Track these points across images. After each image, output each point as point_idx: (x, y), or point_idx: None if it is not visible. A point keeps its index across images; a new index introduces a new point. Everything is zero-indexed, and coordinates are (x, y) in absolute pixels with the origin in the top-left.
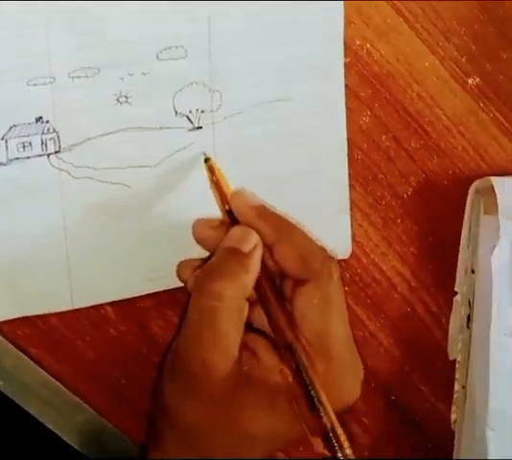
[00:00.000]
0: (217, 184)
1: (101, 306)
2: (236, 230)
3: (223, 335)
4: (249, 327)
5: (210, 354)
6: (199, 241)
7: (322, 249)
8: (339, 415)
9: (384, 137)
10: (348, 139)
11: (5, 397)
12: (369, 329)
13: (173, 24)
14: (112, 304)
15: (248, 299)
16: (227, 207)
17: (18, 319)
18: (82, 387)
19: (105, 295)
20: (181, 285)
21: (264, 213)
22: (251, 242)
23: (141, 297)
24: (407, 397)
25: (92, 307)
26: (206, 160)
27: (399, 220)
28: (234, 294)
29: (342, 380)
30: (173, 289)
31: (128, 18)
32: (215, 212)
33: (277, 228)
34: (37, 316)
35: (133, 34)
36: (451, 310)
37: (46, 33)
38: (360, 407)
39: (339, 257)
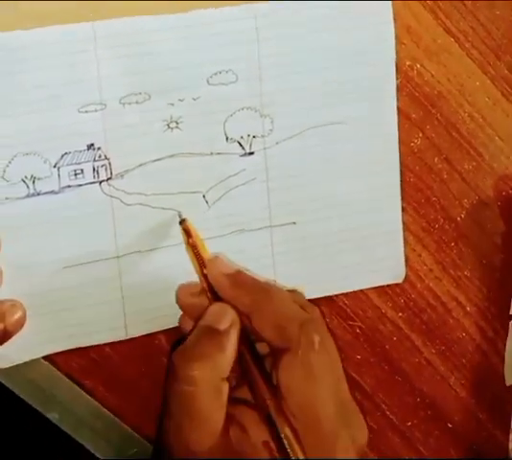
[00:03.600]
0: (193, 247)
1: (154, 335)
2: (212, 308)
3: (202, 418)
4: (238, 400)
5: (191, 437)
6: (183, 308)
7: (300, 313)
8: None
9: (436, 159)
10: (400, 162)
11: (59, 429)
12: (424, 355)
13: (222, 48)
14: (166, 333)
15: (230, 377)
16: (205, 271)
17: (72, 350)
18: (136, 418)
19: (160, 323)
20: None
21: (239, 280)
22: (227, 320)
23: None
24: (464, 424)
25: (146, 336)
26: (181, 222)
27: (453, 244)
28: (208, 377)
29: (337, 447)
30: None
31: (177, 43)
32: None
33: (253, 296)
34: (91, 347)
35: (183, 59)
36: (507, 334)
37: (96, 59)
38: (417, 435)
39: (393, 281)
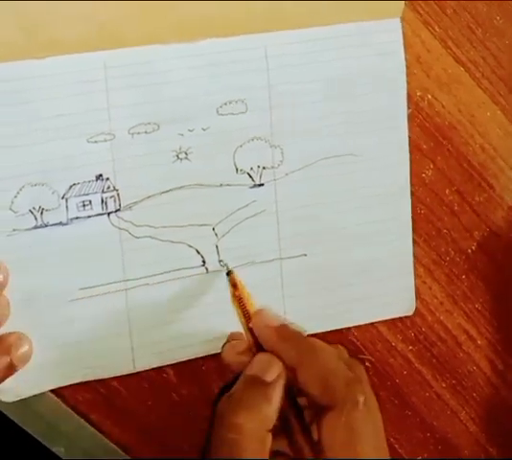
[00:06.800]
0: (239, 300)
1: (162, 369)
2: (260, 357)
3: None
4: (276, 453)
5: None
6: (228, 365)
7: (346, 372)
8: None
9: (447, 191)
10: (411, 193)
11: None
12: (434, 389)
13: (232, 78)
14: (174, 367)
15: (272, 429)
16: (250, 325)
17: (79, 384)
18: (143, 452)
19: (167, 357)
20: None
21: (285, 334)
22: (274, 371)
23: (203, 359)
24: (475, 459)
25: (153, 370)
26: (228, 273)
27: (463, 276)
28: (255, 427)
29: None
30: None
31: (187, 73)
32: None
33: (299, 350)
34: (98, 381)
35: (193, 89)
36: None
37: (106, 89)
38: None
39: (404, 314)
